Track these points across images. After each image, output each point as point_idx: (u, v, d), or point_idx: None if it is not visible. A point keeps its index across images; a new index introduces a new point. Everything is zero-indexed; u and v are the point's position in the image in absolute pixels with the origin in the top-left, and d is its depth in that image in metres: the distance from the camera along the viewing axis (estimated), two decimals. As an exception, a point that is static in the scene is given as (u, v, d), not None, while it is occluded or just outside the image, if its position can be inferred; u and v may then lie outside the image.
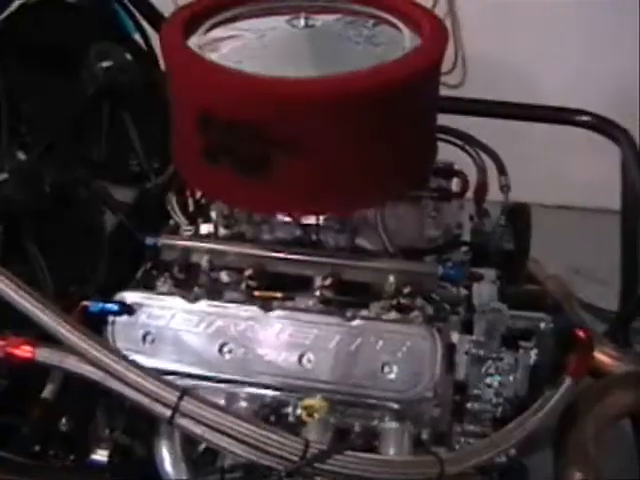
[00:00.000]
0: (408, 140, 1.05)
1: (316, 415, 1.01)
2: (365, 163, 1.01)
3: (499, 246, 1.36)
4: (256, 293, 1.11)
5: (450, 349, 1.12)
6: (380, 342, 1.07)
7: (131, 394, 0.92)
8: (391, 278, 1.12)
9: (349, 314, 1.09)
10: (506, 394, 1.11)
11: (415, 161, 1.11)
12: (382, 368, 1.06)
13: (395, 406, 1.06)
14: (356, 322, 1.08)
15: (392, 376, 1.06)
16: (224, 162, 0.99)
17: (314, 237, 1.17)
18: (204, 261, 1.14)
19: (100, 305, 1.07)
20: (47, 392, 1.01)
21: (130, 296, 1.10)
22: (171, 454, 1.05)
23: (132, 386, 0.90)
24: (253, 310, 1.09)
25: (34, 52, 1.19)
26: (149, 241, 1.15)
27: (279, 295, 1.11)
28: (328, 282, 1.11)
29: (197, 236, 1.20)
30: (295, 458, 0.90)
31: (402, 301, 1.12)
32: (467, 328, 1.14)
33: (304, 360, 1.07)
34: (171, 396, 0.90)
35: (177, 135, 1.08)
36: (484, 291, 1.18)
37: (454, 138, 1.47)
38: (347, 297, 1.12)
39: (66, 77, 1.22)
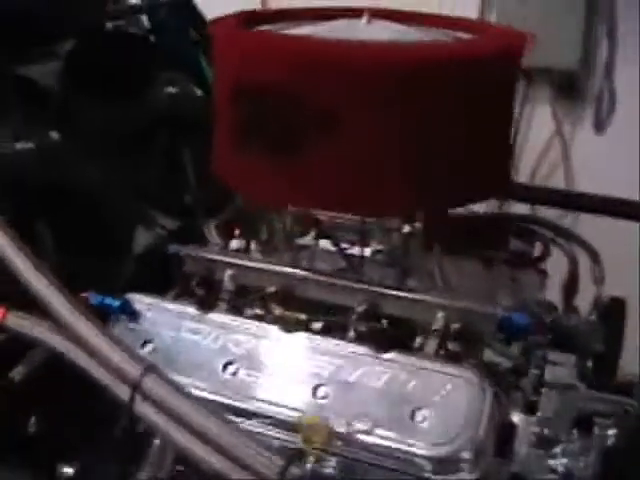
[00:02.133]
0: (471, 133, 0.89)
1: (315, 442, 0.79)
2: (413, 153, 0.87)
3: (586, 346, 1.15)
4: (277, 312, 0.95)
5: (507, 428, 0.90)
6: (414, 382, 0.86)
7: (94, 369, 0.76)
8: (440, 314, 0.93)
9: (381, 346, 0.90)
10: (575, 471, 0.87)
11: (480, 163, 0.94)
12: (412, 414, 0.85)
13: (425, 467, 0.83)
14: (388, 355, 0.89)
15: (424, 425, 0.85)
16: (254, 143, 0.88)
17: (358, 269, 1.01)
18: (227, 276, 1.00)
19: (101, 298, 0.94)
20: (15, 372, 0.87)
21: (137, 298, 0.97)
22: None
23: (97, 356, 0.75)
24: (270, 329, 0.93)
25: (102, 74, 1.18)
26: (172, 249, 1.02)
27: (303, 317, 0.94)
28: (362, 309, 0.93)
29: (224, 251, 1.07)
30: (272, 476, 0.70)
31: (451, 347, 0.92)
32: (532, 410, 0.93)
33: (319, 393, 0.88)
34: (134, 370, 0.74)
35: (215, 125, 0.99)
36: (559, 370, 0.98)
37: (543, 228, 1.32)
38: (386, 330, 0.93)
39: (129, 100, 1.19)
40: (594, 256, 1.27)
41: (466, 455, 0.83)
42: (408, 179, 0.88)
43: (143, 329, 0.95)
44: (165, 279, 1.06)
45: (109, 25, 1.39)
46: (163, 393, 0.73)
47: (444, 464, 0.84)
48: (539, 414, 0.93)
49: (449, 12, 2.24)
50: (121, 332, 0.94)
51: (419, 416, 0.85)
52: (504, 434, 0.93)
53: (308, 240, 1.05)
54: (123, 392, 0.74)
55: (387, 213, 0.96)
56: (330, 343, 0.91)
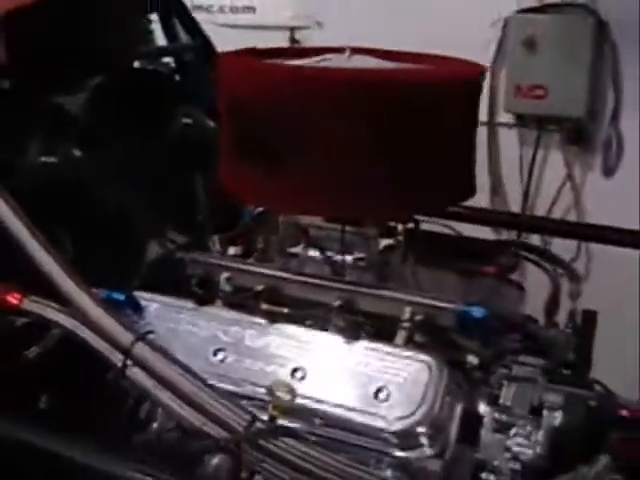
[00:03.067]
0: (431, 147, 1.01)
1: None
2: (380, 164, 0.99)
3: (560, 354, 1.24)
4: (263, 306, 1.07)
5: (475, 418, 1.00)
6: (379, 365, 0.97)
7: (91, 339, 0.89)
8: (407, 309, 1.04)
9: (352, 335, 1.01)
10: (524, 458, 0.95)
11: (443, 174, 1.06)
12: (376, 393, 0.95)
13: (388, 441, 0.93)
14: (358, 342, 1.00)
15: (386, 403, 0.95)
16: (246, 154, 1.02)
17: (339, 273, 1.12)
18: (222, 278, 1.12)
19: (107, 293, 1.07)
20: (30, 352, 1.00)
21: (141, 295, 1.10)
22: None
23: (94, 326, 0.88)
24: (256, 321, 1.05)
25: (126, 105, 1.33)
26: (178, 255, 1.16)
27: (285, 311, 1.06)
28: (337, 304, 1.04)
29: (221, 256, 1.19)
30: (239, 428, 0.81)
31: (417, 338, 1.03)
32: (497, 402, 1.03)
33: (297, 375, 0.99)
34: (127, 338, 0.86)
35: (220, 139, 1.11)
36: (524, 369, 1.08)
37: (526, 252, 1.43)
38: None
39: (150, 128, 1.35)
40: (573, 276, 1.37)
41: (422, 429, 0.93)
42: (375, 188, 1.00)
43: (145, 321, 1.08)
44: (175, 284, 1.18)
45: (138, 64, 1.58)
46: (151, 359, 0.85)
47: (403, 438, 0.94)
48: (500, 403, 1.03)
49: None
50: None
51: (382, 395, 0.95)
52: (472, 424, 1.03)
53: (298, 249, 1.18)
54: (117, 359, 0.87)
55: (350, 217, 1.08)
56: (308, 332, 1.02)
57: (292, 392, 0.87)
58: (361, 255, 1.13)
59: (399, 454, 0.95)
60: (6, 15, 1.12)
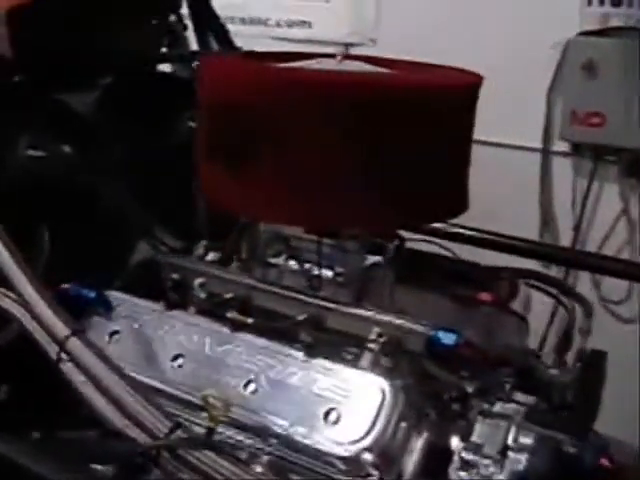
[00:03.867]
0: (419, 156, 0.95)
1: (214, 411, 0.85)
2: (355, 172, 0.93)
3: (560, 396, 1.16)
4: (228, 315, 1.03)
5: (439, 452, 0.94)
6: (333, 385, 0.92)
7: (28, 323, 0.88)
8: (375, 329, 0.98)
9: (312, 352, 0.96)
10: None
11: (430, 185, 1.00)
12: (327, 414, 0.90)
13: (336, 466, 0.88)
14: (314, 360, 0.95)
15: (335, 425, 0.90)
16: (217, 155, 0.99)
17: (315, 287, 1.08)
18: (196, 282, 1.10)
19: (78, 289, 1.06)
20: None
21: (113, 295, 1.08)
22: None
23: (33, 314, 0.87)
24: (217, 327, 1.02)
25: (135, 106, 1.34)
26: (155, 258, 1.15)
27: (249, 321, 1.02)
28: (302, 318, 1.00)
29: (197, 261, 1.17)
30: (159, 435, 0.78)
31: (383, 362, 0.97)
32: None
33: (249, 387, 0.95)
34: (62, 332, 0.85)
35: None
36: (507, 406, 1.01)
37: (546, 285, 1.35)
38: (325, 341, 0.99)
39: (155, 131, 1.34)
40: (588, 311, 1.28)
41: (369, 457, 0.87)
42: (349, 197, 0.94)
43: (113, 321, 1.06)
44: (157, 286, 1.17)
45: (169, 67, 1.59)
46: (83, 354, 0.84)
47: (350, 464, 0.88)
48: (471, 439, 0.96)
49: (521, 90, 2.31)
50: (94, 322, 1.06)
51: (332, 417, 0.90)
52: (438, 458, 0.97)
53: (280, 260, 1.14)
54: (53, 351, 0.85)
55: (314, 228, 1.03)
56: (267, 344, 0.98)
57: (226, 403, 0.83)
58: (341, 270, 1.09)
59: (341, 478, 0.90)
60: (10, 11, 1.14)
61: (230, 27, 1.74)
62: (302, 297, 1.03)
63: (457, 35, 2.40)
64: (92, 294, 1.06)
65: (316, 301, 1.02)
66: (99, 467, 0.89)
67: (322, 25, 2.62)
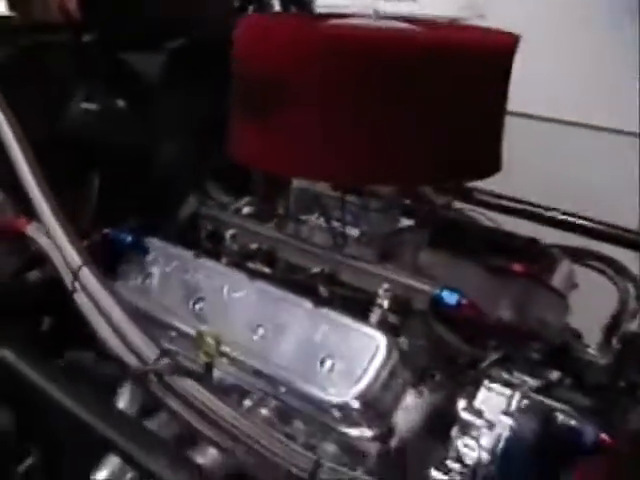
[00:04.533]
0: (434, 119, 0.95)
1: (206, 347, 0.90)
2: (371, 128, 0.93)
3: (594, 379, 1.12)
4: (249, 264, 1.08)
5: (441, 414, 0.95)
6: (332, 334, 0.94)
7: (58, 261, 0.95)
8: (385, 285, 0.99)
9: (320, 303, 0.98)
10: (469, 461, 0.88)
11: (455, 148, 0.99)
12: (322, 361, 0.93)
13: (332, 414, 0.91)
14: (321, 310, 0.97)
15: (329, 373, 0.92)
16: (241, 110, 1.03)
17: (339, 244, 1.10)
18: (228, 234, 1.15)
19: (118, 234, 1.14)
20: (31, 275, 1.09)
21: (150, 241, 1.15)
22: None
23: (58, 247, 0.94)
24: (238, 275, 1.06)
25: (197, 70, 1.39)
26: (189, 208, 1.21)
27: (267, 270, 1.06)
28: (316, 270, 1.03)
29: (233, 214, 1.22)
30: (149, 360, 0.84)
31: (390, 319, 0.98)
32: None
33: (258, 332, 0.99)
34: (76, 262, 0.92)
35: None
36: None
37: (596, 261, 1.31)
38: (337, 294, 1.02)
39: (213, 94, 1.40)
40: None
41: (354, 405, 0.89)
42: (378, 152, 0.95)
43: (147, 264, 1.13)
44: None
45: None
46: (93, 285, 0.90)
47: (339, 412, 0.90)
48: (474, 403, 0.96)
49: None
50: (131, 265, 1.14)
51: (327, 365, 0.93)
52: (440, 419, 0.97)
53: (312, 217, 1.17)
54: (69, 282, 0.93)
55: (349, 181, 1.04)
56: (281, 293, 1.02)
57: (218, 339, 0.87)
58: (365, 229, 1.10)
59: (340, 429, 0.92)
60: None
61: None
62: (317, 251, 1.06)
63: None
64: (130, 239, 1.13)
65: (330, 255, 1.05)
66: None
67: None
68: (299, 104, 0.96)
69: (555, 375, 1.08)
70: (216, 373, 1.00)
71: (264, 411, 0.99)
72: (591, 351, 1.17)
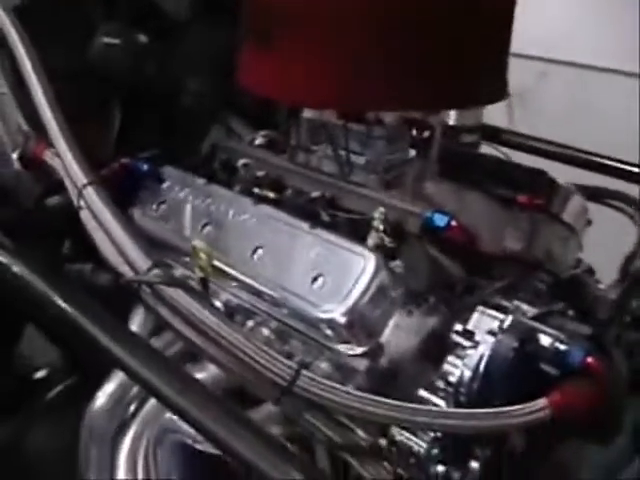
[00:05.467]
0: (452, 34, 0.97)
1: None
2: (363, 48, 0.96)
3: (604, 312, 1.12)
4: (255, 190, 1.11)
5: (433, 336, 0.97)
6: (325, 253, 0.97)
7: (62, 174, 1.01)
8: (380, 209, 1.01)
9: (317, 224, 1.01)
10: (452, 379, 0.90)
11: (461, 73, 1.00)
12: (314, 279, 0.96)
13: (317, 327, 0.94)
14: (317, 231, 1.00)
15: (318, 289, 0.95)
16: (247, 38, 1.05)
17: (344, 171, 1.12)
18: (239, 163, 1.18)
19: (135, 163, 1.19)
20: (50, 200, 1.15)
21: (166, 169, 1.20)
22: None
23: (64, 163, 1.00)
24: (243, 200, 1.10)
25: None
26: (210, 141, 1.24)
27: (271, 195, 1.09)
28: (315, 195, 1.05)
29: (247, 145, 1.25)
30: (141, 271, 0.88)
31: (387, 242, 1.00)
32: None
33: (257, 253, 1.03)
34: (82, 180, 0.97)
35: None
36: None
37: (621, 203, 1.29)
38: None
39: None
40: None
41: (341, 320, 0.91)
42: (380, 77, 0.98)
43: (162, 192, 1.18)
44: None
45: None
46: (95, 202, 0.95)
47: (327, 327, 0.93)
48: (466, 326, 0.97)
49: None
50: (147, 192, 1.19)
51: (319, 282, 0.95)
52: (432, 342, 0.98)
53: (321, 147, 1.19)
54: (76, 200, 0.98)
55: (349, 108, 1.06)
56: (282, 216, 1.05)
57: (209, 253, 0.91)
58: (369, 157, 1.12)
59: (331, 346, 0.95)
60: None
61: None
62: (319, 177, 1.08)
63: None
64: (145, 167, 1.18)
65: (331, 181, 1.07)
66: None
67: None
68: (302, 26, 0.99)
69: (558, 307, 1.08)
70: (222, 295, 1.06)
71: (265, 331, 1.03)
72: (601, 287, 1.17)
